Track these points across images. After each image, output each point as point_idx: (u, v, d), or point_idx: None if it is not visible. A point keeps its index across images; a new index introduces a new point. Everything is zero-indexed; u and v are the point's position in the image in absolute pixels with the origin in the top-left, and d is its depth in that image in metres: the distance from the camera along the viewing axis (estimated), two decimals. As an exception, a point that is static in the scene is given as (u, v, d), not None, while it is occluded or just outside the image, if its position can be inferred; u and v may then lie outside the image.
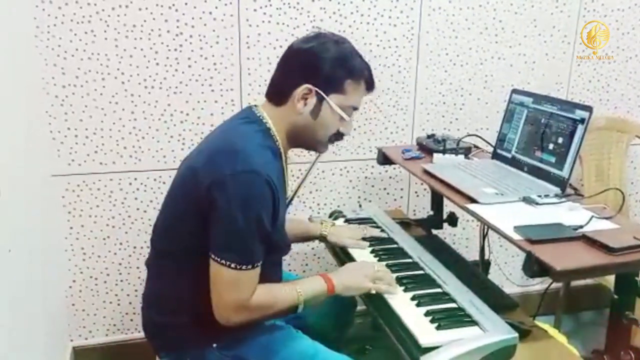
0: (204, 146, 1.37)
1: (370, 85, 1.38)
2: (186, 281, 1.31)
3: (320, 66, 1.30)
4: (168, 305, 1.35)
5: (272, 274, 1.35)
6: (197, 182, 1.25)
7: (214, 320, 1.27)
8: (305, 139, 1.38)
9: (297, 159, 2.15)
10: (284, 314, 1.35)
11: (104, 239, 2.04)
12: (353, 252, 1.66)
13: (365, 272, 1.43)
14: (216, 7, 1.93)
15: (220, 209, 1.20)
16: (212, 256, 1.22)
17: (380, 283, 1.42)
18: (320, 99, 1.32)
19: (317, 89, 1.30)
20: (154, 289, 1.42)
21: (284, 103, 1.33)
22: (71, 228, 2.00)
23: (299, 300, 1.31)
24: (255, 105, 1.38)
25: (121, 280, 2.10)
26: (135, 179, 2.02)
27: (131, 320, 2.14)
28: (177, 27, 1.91)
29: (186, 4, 1.90)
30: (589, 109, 1.56)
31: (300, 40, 1.36)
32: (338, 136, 1.40)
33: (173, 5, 1.89)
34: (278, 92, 1.35)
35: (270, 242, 1.28)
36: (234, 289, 1.23)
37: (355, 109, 1.38)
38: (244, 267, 1.22)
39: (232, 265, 1.21)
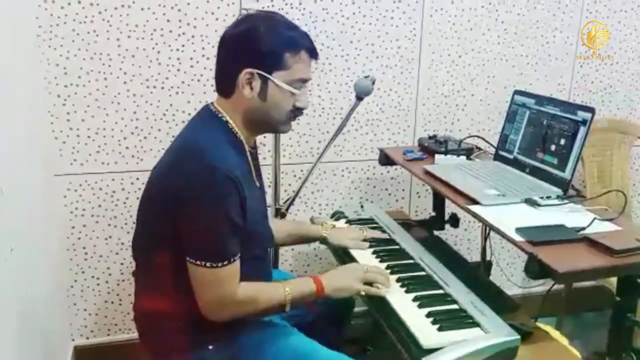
0: (167, 153, 1.36)
1: (312, 53, 1.33)
2: (173, 287, 1.30)
3: (255, 47, 1.26)
4: (159, 313, 1.33)
5: (256, 268, 1.35)
6: (162, 187, 1.26)
7: (207, 323, 1.27)
8: (263, 122, 1.35)
9: (298, 159, 2.15)
10: (271, 312, 1.35)
11: (106, 238, 2.05)
12: (354, 253, 1.66)
13: (355, 275, 1.42)
14: (218, 7, 1.93)
15: (186, 210, 1.20)
16: (188, 259, 1.22)
17: (371, 287, 1.41)
18: (265, 80, 1.28)
19: (258, 70, 1.27)
20: (143, 299, 1.40)
21: (232, 93, 1.30)
22: (73, 227, 2.00)
23: (285, 299, 1.30)
24: (211, 103, 1.36)
25: (123, 280, 2.10)
26: (137, 178, 2.02)
27: (132, 319, 2.14)
28: (180, 27, 1.91)
29: (188, 4, 1.90)
30: (591, 110, 1.56)
31: (231, 27, 1.32)
32: (297, 111, 1.35)
33: (175, 5, 1.89)
34: (223, 84, 1.32)
35: (245, 235, 1.27)
36: (215, 287, 1.23)
37: (305, 80, 1.33)
38: (219, 264, 1.21)
39: (208, 264, 1.21)
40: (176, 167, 1.25)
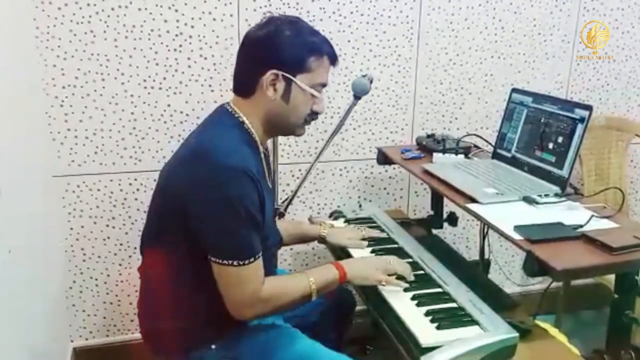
0: (181, 151, 1.36)
1: (333, 59, 1.36)
2: (180, 285, 1.31)
3: (281, 49, 1.28)
4: (164, 310, 1.34)
5: (265, 269, 1.35)
6: (178, 187, 1.25)
7: (211, 322, 1.27)
8: (281, 124, 1.37)
9: (296, 159, 2.15)
10: (297, 304, 1.34)
11: (104, 239, 2.04)
12: (353, 252, 1.66)
13: (378, 265, 1.44)
14: (216, 8, 1.93)
15: (206, 211, 1.20)
16: (212, 259, 1.22)
17: (392, 277, 1.42)
18: (289, 82, 1.30)
19: (283, 72, 1.29)
20: (148, 296, 1.41)
21: (253, 94, 1.32)
22: (71, 229, 2.00)
23: (311, 289, 1.31)
24: (227, 103, 1.37)
25: (121, 281, 2.10)
26: (135, 179, 2.02)
27: (132, 320, 2.14)
28: (177, 27, 1.91)
29: (186, 4, 1.90)
30: (588, 108, 1.56)
31: (255, 28, 1.34)
32: (313, 115, 1.38)
33: (173, 5, 1.89)
34: (245, 84, 1.33)
35: (262, 234, 1.28)
36: (242, 285, 1.23)
37: (324, 85, 1.37)
38: (245, 261, 1.22)
39: (235, 263, 1.21)
40: (193, 166, 1.24)
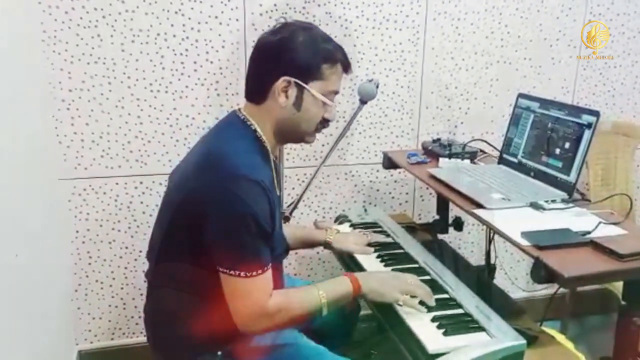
0: (190, 157, 1.35)
1: (346, 67, 1.34)
2: (188, 294, 1.30)
3: (294, 56, 1.26)
4: (171, 318, 1.33)
5: (275, 280, 1.34)
6: (188, 195, 1.24)
7: (218, 331, 1.26)
8: (292, 132, 1.34)
9: (302, 163, 2.15)
10: (307, 317, 1.31)
11: (110, 242, 2.05)
12: (359, 257, 1.65)
13: (395, 283, 1.37)
14: (222, 12, 1.94)
15: (216, 220, 1.19)
16: (221, 269, 1.21)
17: (410, 298, 1.35)
18: (301, 89, 1.28)
19: (295, 79, 1.27)
20: (155, 302, 1.40)
21: (264, 100, 1.30)
22: (77, 232, 2.01)
23: (321, 302, 1.28)
24: (239, 109, 1.35)
25: (127, 284, 2.10)
26: (141, 182, 2.02)
27: (137, 324, 2.14)
28: (184, 31, 1.92)
29: (192, 8, 1.90)
30: (595, 113, 1.56)
31: (268, 33, 1.32)
32: (324, 123, 1.36)
33: (179, 10, 1.90)
34: (256, 91, 1.31)
35: (271, 245, 1.27)
36: (249, 297, 1.21)
37: (336, 92, 1.35)
38: (254, 273, 1.20)
39: (243, 274, 1.19)
40: (203, 175, 1.23)
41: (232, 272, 1.20)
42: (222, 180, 1.19)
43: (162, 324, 1.37)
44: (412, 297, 1.36)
